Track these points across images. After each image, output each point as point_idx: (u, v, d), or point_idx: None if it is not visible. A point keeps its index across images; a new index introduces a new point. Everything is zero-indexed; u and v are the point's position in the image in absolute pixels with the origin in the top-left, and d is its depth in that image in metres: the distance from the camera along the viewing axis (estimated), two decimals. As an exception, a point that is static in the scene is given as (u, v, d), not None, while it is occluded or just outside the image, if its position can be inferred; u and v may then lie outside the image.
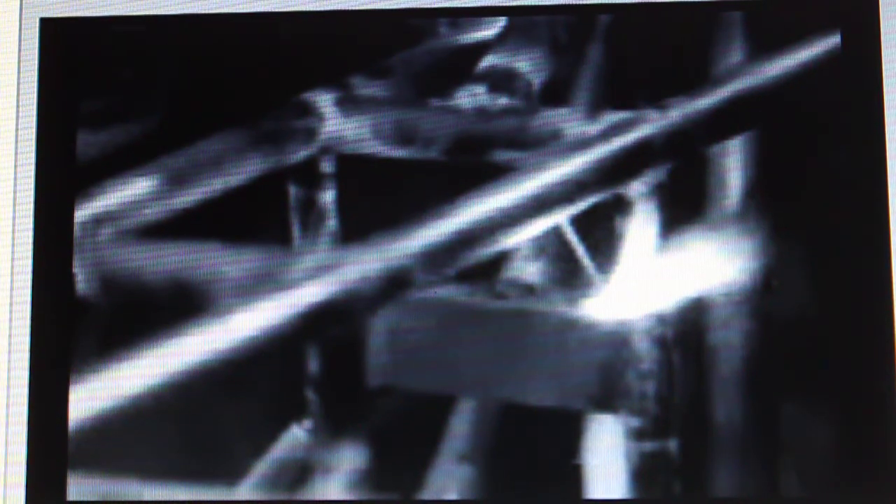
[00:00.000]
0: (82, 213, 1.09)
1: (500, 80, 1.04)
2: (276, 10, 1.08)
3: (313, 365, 1.02)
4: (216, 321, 1.03)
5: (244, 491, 1.02)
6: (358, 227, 1.04)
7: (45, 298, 1.13)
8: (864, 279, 1.04)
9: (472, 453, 1.00)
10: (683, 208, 1.03)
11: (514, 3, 1.09)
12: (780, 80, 1.07)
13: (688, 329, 1.03)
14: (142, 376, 1.05)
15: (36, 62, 1.19)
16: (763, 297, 1.03)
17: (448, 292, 1.02)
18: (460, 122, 1.04)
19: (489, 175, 1.04)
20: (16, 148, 1.18)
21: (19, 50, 1.20)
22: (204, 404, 1.04)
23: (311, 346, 1.02)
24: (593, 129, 1.03)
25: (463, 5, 1.09)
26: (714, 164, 1.03)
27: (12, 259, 1.15)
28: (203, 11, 1.11)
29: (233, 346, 1.03)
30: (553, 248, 1.02)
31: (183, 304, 1.05)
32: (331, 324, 1.03)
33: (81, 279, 1.07)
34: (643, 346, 1.02)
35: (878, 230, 1.07)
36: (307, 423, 1.01)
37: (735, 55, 1.05)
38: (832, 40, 1.07)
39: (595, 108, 1.04)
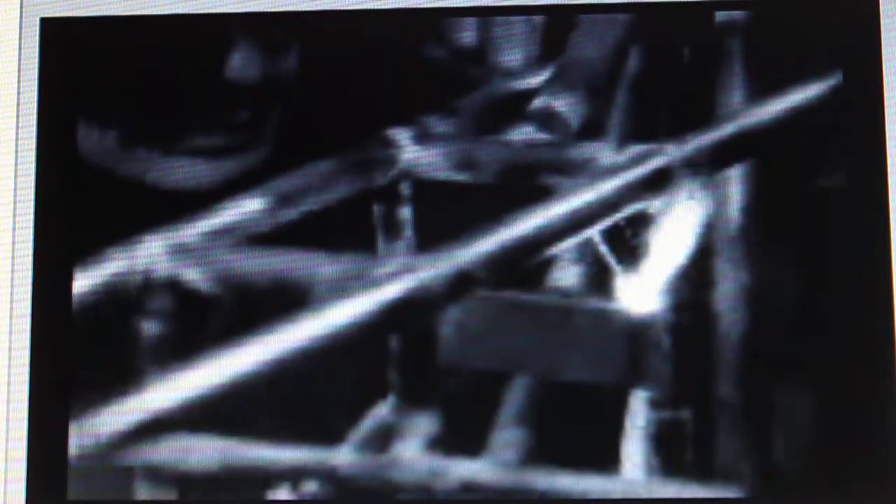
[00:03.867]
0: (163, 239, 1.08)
1: (545, 119, 1.08)
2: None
3: (394, 349, 1.07)
4: (315, 313, 1.07)
5: (343, 453, 1.06)
6: (430, 238, 1.07)
7: (46, 299, 1.08)
8: (865, 278, 1.05)
9: (524, 420, 1.06)
10: (693, 227, 1.07)
11: (514, 3, 1.09)
12: (781, 117, 1.08)
13: (695, 327, 1.06)
14: (253, 361, 1.07)
15: (36, 62, 1.11)
16: (765, 296, 1.06)
17: (504, 290, 1.07)
18: (511, 153, 1.08)
19: (535, 196, 1.07)
20: (16, 147, 1.10)
21: (19, 50, 1.11)
22: (306, 383, 1.06)
23: (392, 334, 1.07)
24: (621, 157, 1.08)
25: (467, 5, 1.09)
26: (719, 191, 1.07)
27: (12, 259, 1.08)
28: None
29: (329, 334, 1.07)
30: (587, 255, 1.07)
31: (287, 300, 1.08)
32: (409, 316, 1.07)
33: (204, 281, 1.08)
34: (660, 334, 1.06)
35: (879, 232, 1.05)
36: (390, 397, 1.06)
37: (738, 94, 1.09)
38: (833, 79, 1.07)
39: (622, 142, 1.08)
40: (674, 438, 1.05)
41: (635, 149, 1.07)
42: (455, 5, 1.10)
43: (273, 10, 1.10)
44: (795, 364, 1.04)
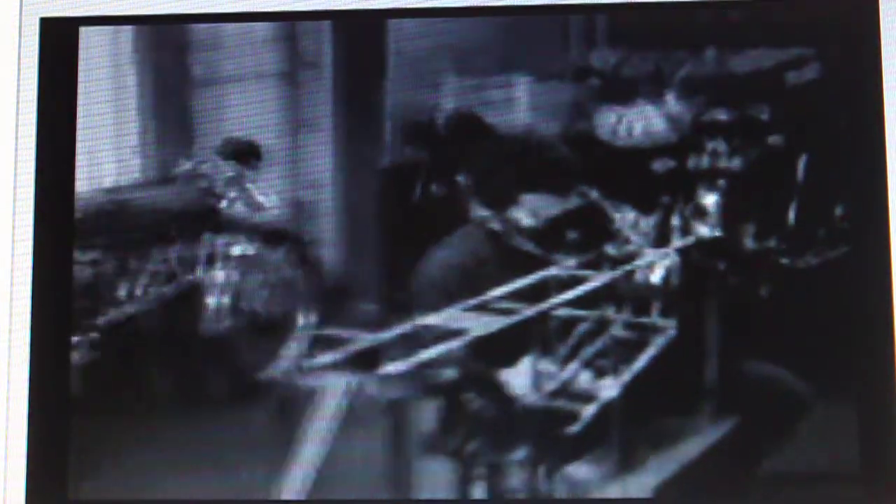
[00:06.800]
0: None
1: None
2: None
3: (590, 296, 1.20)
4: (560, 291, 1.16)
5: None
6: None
7: (45, 297, 1.05)
8: (865, 278, 1.07)
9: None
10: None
11: (516, 3, 1.17)
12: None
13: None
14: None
15: (36, 62, 1.07)
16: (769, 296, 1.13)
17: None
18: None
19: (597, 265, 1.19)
20: (16, 147, 1.06)
21: (19, 50, 1.07)
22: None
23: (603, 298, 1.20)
24: (640, 262, 1.20)
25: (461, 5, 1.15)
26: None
27: (12, 258, 1.05)
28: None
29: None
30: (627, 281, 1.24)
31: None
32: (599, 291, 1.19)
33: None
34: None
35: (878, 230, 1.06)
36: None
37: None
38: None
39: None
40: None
41: (645, 258, 1.23)
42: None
43: (266, 9, 1.08)
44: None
